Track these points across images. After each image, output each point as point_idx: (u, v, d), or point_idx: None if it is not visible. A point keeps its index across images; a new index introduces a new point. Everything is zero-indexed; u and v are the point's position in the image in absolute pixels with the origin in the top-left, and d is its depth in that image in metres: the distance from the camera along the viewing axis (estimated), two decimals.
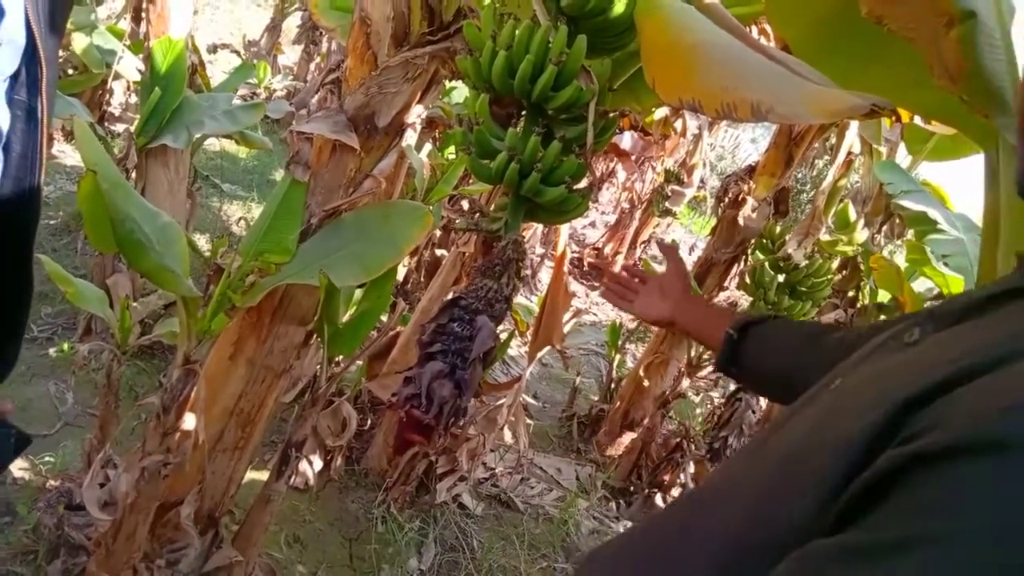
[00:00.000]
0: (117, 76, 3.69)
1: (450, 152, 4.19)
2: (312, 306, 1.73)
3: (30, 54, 0.71)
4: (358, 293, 2.06)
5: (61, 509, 1.89)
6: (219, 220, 4.84)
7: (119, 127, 5.05)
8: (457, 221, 1.38)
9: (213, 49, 7.90)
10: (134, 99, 5.26)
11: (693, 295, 1.32)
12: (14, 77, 0.71)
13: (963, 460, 0.43)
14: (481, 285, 1.25)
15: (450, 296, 1.27)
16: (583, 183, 1.26)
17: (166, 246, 1.34)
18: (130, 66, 3.16)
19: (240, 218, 4.53)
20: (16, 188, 0.73)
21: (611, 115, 1.25)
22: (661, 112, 3.76)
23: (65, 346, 2.81)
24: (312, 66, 8.01)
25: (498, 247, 1.29)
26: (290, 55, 8.89)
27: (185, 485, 1.77)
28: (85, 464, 2.10)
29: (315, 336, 1.81)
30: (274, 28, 8.15)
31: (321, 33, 7.50)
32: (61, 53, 3.69)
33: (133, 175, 2.70)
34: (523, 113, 1.27)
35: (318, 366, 1.90)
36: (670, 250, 1.40)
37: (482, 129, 1.22)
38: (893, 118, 1.12)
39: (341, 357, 2.04)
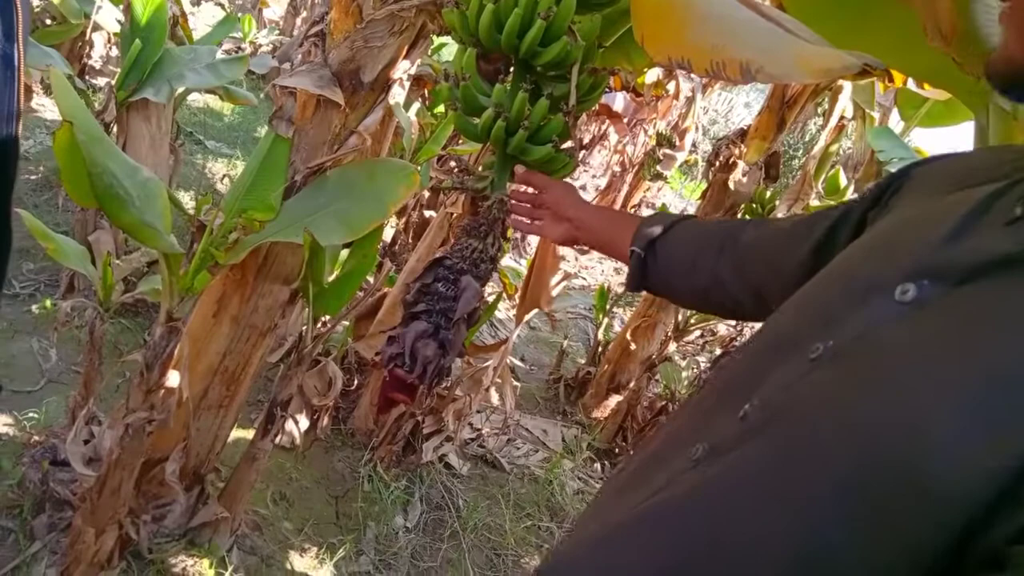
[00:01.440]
0: (96, 27, 3.59)
1: (439, 110, 4.13)
2: (297, 264, 1.71)
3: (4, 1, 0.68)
4: (344, 253, 2.05)
5: (46, 465, 1.89)
6: (203, 177, 4.77)
7: (100, 80, 4.93)
8: (444, 180, 1.36)
9: (196, 1, 7.69)
10: (115, 51, 5.13)
11: (587, 204, 1.18)
12: None
13: None
14: (466, 245, 1.24)
15: (436, 256, 1.26)
16: (570, 143, 1.24)
17: (147, 202, 1.32)
18: (109, 17, 3.07)
19: (224, 175, 4.47)
20: None
21: (600, 73, 1.23)
22: (653, 74, 3.71)
23: (48, 303, 2.78)
24: (298, 20, 7.83)
25: (484, 206, 1.28)
26: (276, 9, 8.67)
27: (170, 442, 1.78)
28: (69, 420, 2.10)
29: (300, 295, 1.80)
30: None
31: None
32: (37, 2, 3.58)
33: (114, 129, 2.65)
34: (511, 69, 1.24)
35: (304, 326, 1.89)
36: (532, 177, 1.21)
37: (469, 85, 1.20)
38: (887, 81, 1.10)
39: (327, 317, 2.03)
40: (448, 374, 1.27)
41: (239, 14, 7.24)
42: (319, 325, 1.97)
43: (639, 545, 0.63)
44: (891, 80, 1.09)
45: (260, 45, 7.45)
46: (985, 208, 0.56)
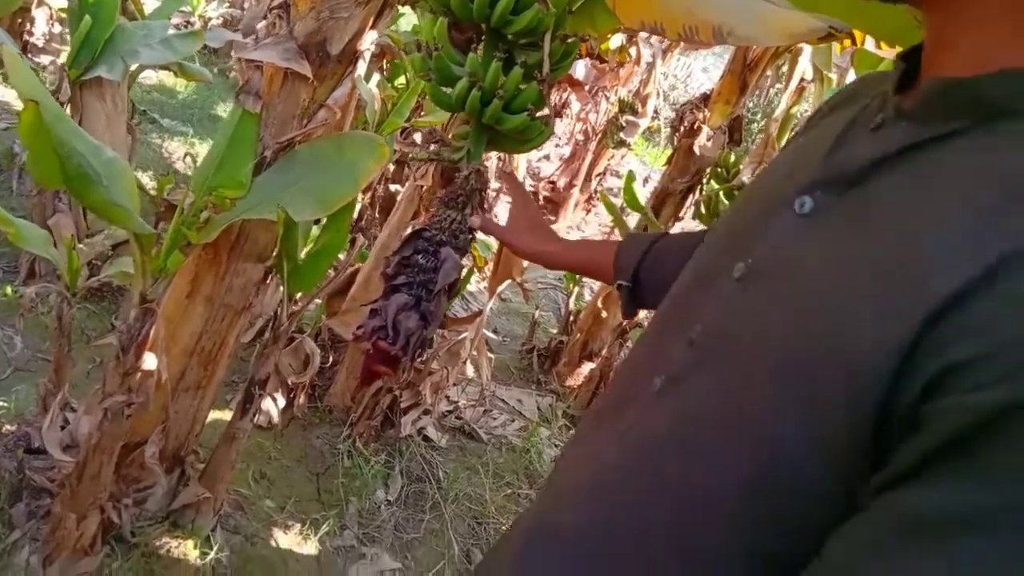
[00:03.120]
0: (40, 3, 3.45)
1: (399, 82, 4.07)
2: (270, 242, 1.70)
3: None
4: (315, 229, 2.03)
5: (20, 453, 1.87)
6: (159, 157, 4.65)
7: (44, 59, 4.74)
8: (418, 152, 1.36)
9: None
10: (58, 28, 4.93)
11: (547, 242, 1.22)
12: None
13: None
14: (444, 216, 1.25)
15: (412, 228, 1.26)
16: (546, 111, 1.25)
17: (113, 181, 1.29)
18: None
19: (186, 154, 4.34)
20: None
21: (571, 39, 1.23)
22: (617, 39, 3.70)
23: (8, 290, 2.71)
24: None
25: (460, 177, 1.28)
26: None
27: (148, 425, 1.76)
28: (41, 408, 2.06)
29: (274, 273, 1.79)
30: None
31: None
32: None
33: (68, 109, 2.56)
34: (482, 38, 1.24)
35: (279, 305, 1.88)
36: (508, 178, 1.26)
37: (442, 55, 1.19)
38: (850, 43, 1.13)
39: (300, 294, 2.02)
40: (430, 345, 1.28)
41: None
42: (293, 303, 1.96)
43: (624, 485, 0.67)
44: (854, 42, 1.12)
45: (210, 18, 7.21)
46: (855, 121, 0.64)
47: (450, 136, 1.37)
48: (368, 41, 1.54)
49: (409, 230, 2.44)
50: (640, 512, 0.64)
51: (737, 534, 0.56)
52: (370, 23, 1.52)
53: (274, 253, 1.70)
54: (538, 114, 1.24)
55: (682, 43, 5.44)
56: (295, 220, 1.52)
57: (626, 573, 0.65)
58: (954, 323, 0.44)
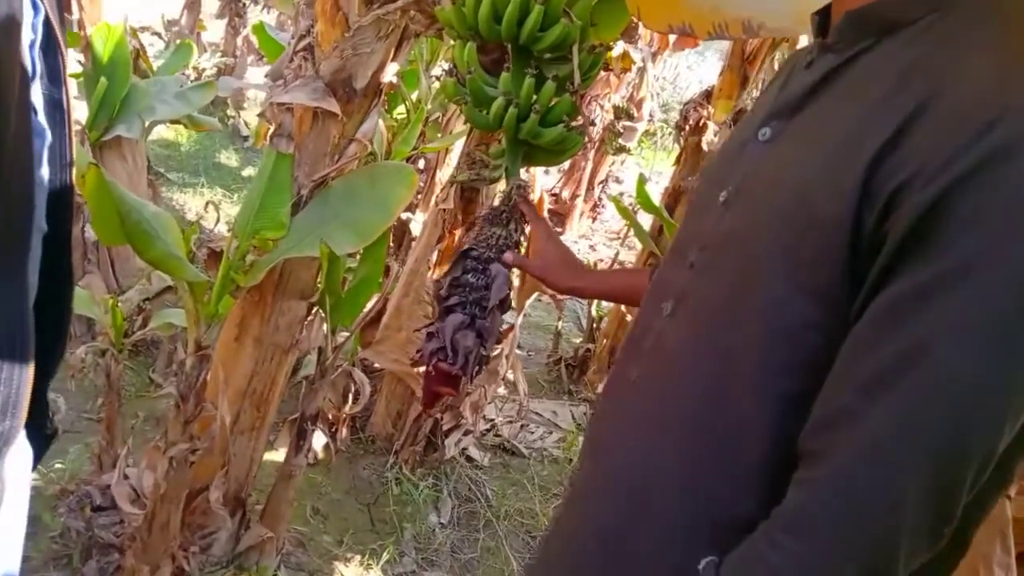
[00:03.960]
0: None
1: (399, 112, 4.13)
2: (311, 278, 1.73)
3: (46, 45, 0.70)
4: (347, 261, 2.06)
5: (88, 511, 1.89)
6: (171, 209, 4.70)
7: None
8: (458, 175, 1.40)
9: (133, 32, 7.52)
10: None
11: (577, 277, 1.24)
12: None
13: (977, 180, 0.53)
14: (490, 234, 1.27)
15: (462, 248, 1.29)
16: (580, 120, 1.28)
17: (166, 234, 1.33)
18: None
19: (207, 203, 4.38)
20: (53, 183, 0.73)
21: (598, 49, 1.27)
22: (619, 47, 3.75)
23: None
24: (239, 40, 7.70)
25: (502, 193, 1.31)
26: (213, 31, 8.52)
27: (210, 470, 1.79)
28: (96, 466, 2.09)
29: (315, 308, 1.82)
30: (193, 4, 7.78)
31: (245, 4, 7.20)
32: None
33: None
34: (509, 58, 1.28)
35: (324, 339, 1.91)
36: (527, 207, 1.27)
37: (476, 78, 1.23)
38: None
39: (339, 327, 2.05)
40: (487, 362, 1.30)
41: (176, 40, 7.10)
42: (336, 335, 1.99)
43: (650, 397, 0.80)
44: None
45: (204, 69, 7.32)
46: (795, 66, 0.80)
47: (465, 155, 1.41)
48: (390, 73, 1.59)
49: (436, 254, 2.48)
50: (668, 406, 0.76)
51: (763, 385, 0.67)
52: (391, 55, 1.56)
53: (317, 289, 1.73)
54: (572, 124, 1.28)
55: (671, 43, 5.50)
56: (337, 254, 1.56)
57: (663, 456, 0.76)
58: (892, 160, 0.58)
